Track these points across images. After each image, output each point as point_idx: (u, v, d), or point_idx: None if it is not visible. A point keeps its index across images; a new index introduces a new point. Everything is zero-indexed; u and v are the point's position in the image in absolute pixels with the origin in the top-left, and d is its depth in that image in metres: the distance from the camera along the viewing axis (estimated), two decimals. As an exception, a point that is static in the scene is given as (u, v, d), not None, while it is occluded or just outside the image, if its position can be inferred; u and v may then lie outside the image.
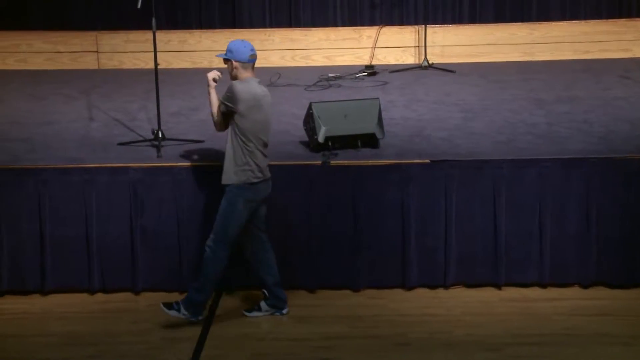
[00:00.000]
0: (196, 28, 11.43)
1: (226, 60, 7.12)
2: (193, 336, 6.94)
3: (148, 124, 8.60)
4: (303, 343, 6.88)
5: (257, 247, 7.22)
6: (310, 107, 7.94)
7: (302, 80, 10.28)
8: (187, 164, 7.62)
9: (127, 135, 8.37)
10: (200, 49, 11.22)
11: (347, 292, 7.65)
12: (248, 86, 6.99)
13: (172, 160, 7.70)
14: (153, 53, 8.14)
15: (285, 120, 8.86)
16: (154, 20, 8.03)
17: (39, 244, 7.54)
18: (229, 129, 7.03)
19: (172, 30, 11.17)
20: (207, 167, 7.60)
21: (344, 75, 10.49)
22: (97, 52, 11.16)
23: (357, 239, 7.61)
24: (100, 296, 7.60)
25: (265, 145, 7.06)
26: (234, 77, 7.09)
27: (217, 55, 7.27)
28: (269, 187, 7.13)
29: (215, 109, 7.10)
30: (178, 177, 7.54)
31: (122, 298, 7.59)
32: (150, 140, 8.08)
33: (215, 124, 7.16)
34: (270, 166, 7.57)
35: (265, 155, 7.06)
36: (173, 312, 7.07)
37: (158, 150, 7.86)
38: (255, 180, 6.98)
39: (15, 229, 7.52)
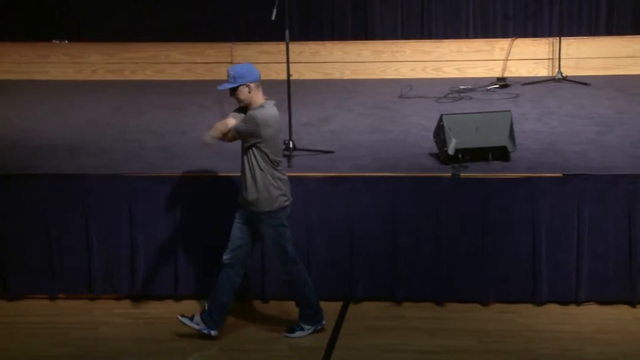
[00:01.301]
0: (328, 39, 11.53)
1: (234, 90, 6.70)
2: (320, 346, 6.98)
3: (280, 134, 8.69)
4: (430, 356, 6.84)
5: (240, 267, 7.00)
6: (440, 119, 7.91)
7: (432, 92, 10.25)
8: (317, 174, 7.68)
9: (259, 145, 8.47)
10: (331, 60, 11.31)
11: (476, 305, 7.58)
12: (270, 111, 6.72)
13: (302, 170, 7.76)
14: (286, 64, 8.23)
15: (415, 132, 8.85)
16: (287, 32, 8.13)
17: (173, 250, 7.70)
18: (249, 159, 6.73)
19: (304, 42, 11.29)
20: (336, 178, 7.64)
21: (475, 87, 10.41)
22: (231, 62, 11.36)
23: (486, 252, 7.53)
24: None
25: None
26: (250, 102, 6.72)
27: (220, 88, 6.76)
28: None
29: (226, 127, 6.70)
30: (308, 187, 7.60)
31: (251, 306, 7.68)
32: (281, 150, 8.17)
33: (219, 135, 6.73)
34: (399, 178, 7.58)
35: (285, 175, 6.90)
36: (298, 334, 7.09)
37: (289, 160, 7.94)
38: (286, 204, 6.86)
39: (151, 236, 7.70)
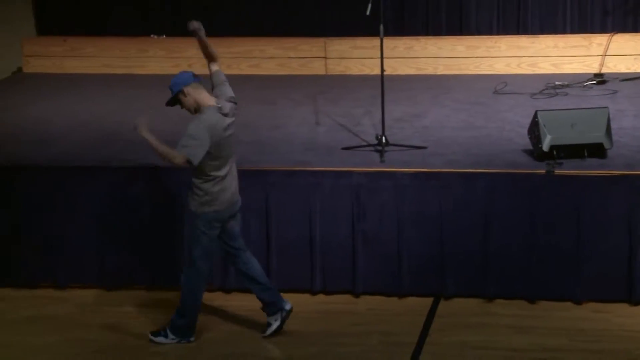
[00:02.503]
0: (422, 34, 11.48)
1: (179, 101, 6.65)
2: (410, 341, 6.97)
3: (372, 129, 8.71)
4: (522, 354, 6.78)
5: (235, 262, 6.98)
6: (535, 116, 7.82)
7: (527, 88, 10.13)
8: (409, 169, 7.66)
9: (351, 140, 8.50)
10: (426, 56, 11.25)
11: (569, 304, 7.48)
12: (210, 119, 6.58)
13: (394, 165, 7.76)
14: (380, 59, 8.23)
15: (509, 128, 8.77)
16: (381, 27, 8.13)
17: (265, 244, 7.77)
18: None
19: (398, 37, 11.26)
20: (429, 173, 7.62)
21: (571, 84, 10.26)
22: (325, 57, 11.40)
23: (580, 250, 7.42)
24: (321, 297, 7.76)
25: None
26: (195, 106, 6.64)
27: (167, 105, 6.76)
28: (237, 204, 6.88)
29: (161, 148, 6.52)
30: (400, 183, 7.59)
31: (342, 300, 7.71)
32: (373, 145, 8.18)
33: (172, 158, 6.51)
34: (493, 174, 7.52)
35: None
36: (160, 339, 6.89)
37: (381, 156, 7.94)
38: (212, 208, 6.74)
39: (242, 229, 7.77)
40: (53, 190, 7.89)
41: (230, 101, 6.82)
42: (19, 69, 12.05)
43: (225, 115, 6.74)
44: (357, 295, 7.72)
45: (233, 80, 11.18)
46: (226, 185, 6.77)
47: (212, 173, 6.68)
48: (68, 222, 7.90)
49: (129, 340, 7.09)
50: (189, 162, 6.52)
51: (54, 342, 7.08)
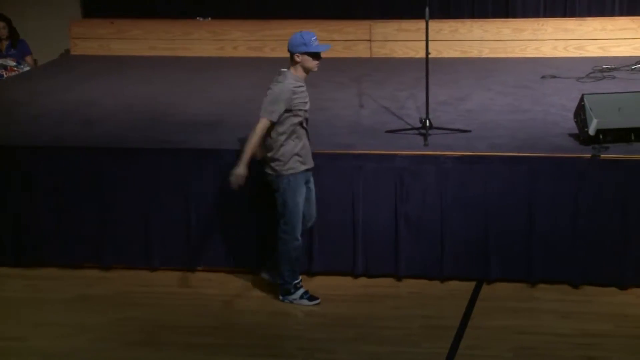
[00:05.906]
0: (468, 17, 11.42)
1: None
2: (453, 325, 6.96)
3: (416, 113, 8.68)
4: (565, 339, 6.74)
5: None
6: (582, 99, 7.75)
7: (574, 72, 10.04)
8: (453, 152, 7.63)
9: (395, 123, 8.48)
10: (471, 39, 11.19)
11: (613, 289, 7.41)
12: None
13: (438, 148, 7.73)
14: (425, 42, 8.20)
15: (554, 111, 8.70)
16: (427, 10, 8.09)
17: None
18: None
19: (443, 20, 11.21)
20: (473, 157, 7.58)
21: (619, 67, 10.15)
22: (370, 40, 11.38)
23: (626, 235, 7.35)
24: (363, 280, 7.75)
25: None
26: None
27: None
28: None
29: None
30: (444, 166, 7.57)
31: (384, 283, 7.70)
32: (417, 128, 8.15)
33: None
34: (537, 158, 7.47)
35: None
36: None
37: (425, 139, 7.92)
38: None
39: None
40: (97, 171, 7.96)
41: None
42: (67, 51, 12.18)
43: None
44: (399, 278, 7.72)
45: (278, 62, 11.24)
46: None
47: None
48: (112, 203, 7.96)
49: (174, 320, 7.16)
50: None
51: (101, 321, 7.16)
